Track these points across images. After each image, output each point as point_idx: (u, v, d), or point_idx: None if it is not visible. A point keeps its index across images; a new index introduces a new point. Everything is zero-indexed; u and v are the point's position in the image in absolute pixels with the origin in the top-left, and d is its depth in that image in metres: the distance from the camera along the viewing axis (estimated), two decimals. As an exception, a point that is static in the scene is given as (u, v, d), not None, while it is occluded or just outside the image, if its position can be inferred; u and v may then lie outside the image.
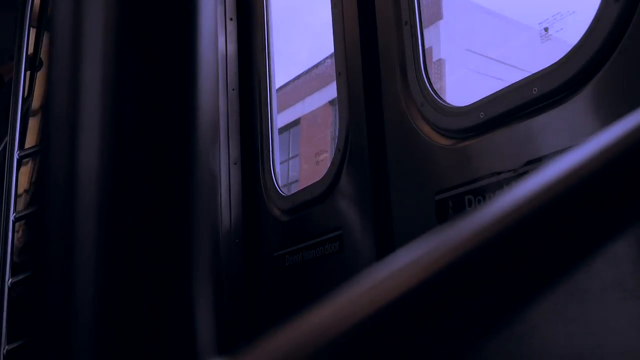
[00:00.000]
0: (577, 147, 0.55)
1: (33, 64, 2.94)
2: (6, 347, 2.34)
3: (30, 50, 2.91)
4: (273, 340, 0.44)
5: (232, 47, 3.09)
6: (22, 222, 2.59)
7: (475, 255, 0.47)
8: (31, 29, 2.91)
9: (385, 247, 2.13)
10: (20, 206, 2.67)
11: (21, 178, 2.64)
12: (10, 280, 2.44)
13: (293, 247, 2.65)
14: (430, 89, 2.01)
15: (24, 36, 2.80)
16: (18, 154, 2.52)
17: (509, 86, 1.72)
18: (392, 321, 0.43)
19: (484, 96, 1.80)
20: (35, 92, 2.89)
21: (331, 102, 16.26)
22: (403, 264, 0.45)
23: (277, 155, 2.95)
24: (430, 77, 2.05)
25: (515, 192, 0.51)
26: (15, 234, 2.56)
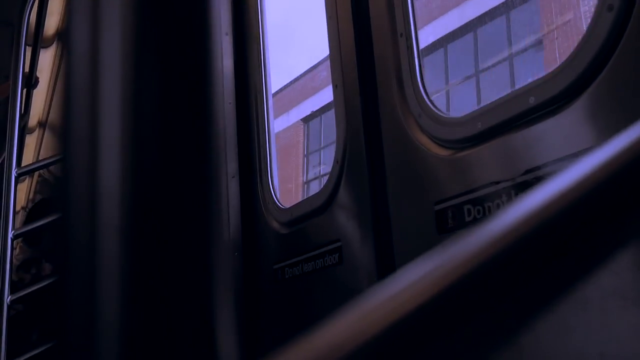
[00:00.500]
0: (579, 160, 0.56)
1: (29, 82, 2.95)
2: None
3: (27, 68, 2.92)
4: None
5: (228, 62, 3.10)
6: (20, 239, 2.59)
7: (479, 271, 0.47)
8: (27, 47, 2.92)
9: (385, 258, 2.14)
10: (18, 223, 2.66)
11: (19, 195, 2.65)
12: (9, 297, 2.43)
13: (292, 259, 2.65)
14: (427, 99, 2.02)
15: (20, 54, 2.81)
16: (16, 172, 2.52)
17: (505, 96, 1.73)
18: (400, 340, 0.43)
19: (482, 106, 1.82)
20: (32, 109, 2.90)
21: (304, 120, 15.44)
22: (411, 280, 0.46)
23: (275, 168, 2.96)
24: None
25: (517, 207, 0.51)
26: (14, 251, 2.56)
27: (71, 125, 1.58)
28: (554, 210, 0.51)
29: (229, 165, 3.02)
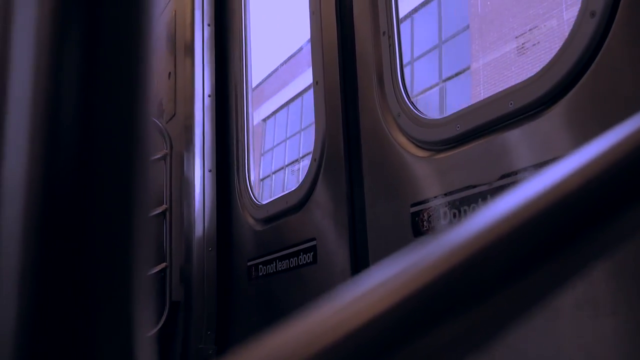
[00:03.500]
0: (558, 161, 0.54)
1: None
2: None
3: None
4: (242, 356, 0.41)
5: (209, 53, 3.06)
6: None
7: (449, 275, 0.45)
8: None
9: (359, 258, 2.11)
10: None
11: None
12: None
13: (267, 256, 2.62)
14: (407, 99, 2.00)
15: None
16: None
17: (485, 99, 1.72)
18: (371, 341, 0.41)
19: (461, 108, 1.80)
20: None
21: (264, 120, 16.47)
22: (384, 278, 0.43)
23: (252, 163, 2.92)
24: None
25: (494, 208, 0.49)
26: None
27: None
28: (528, 216, 0.49)
29: (206, 158, 2.98)
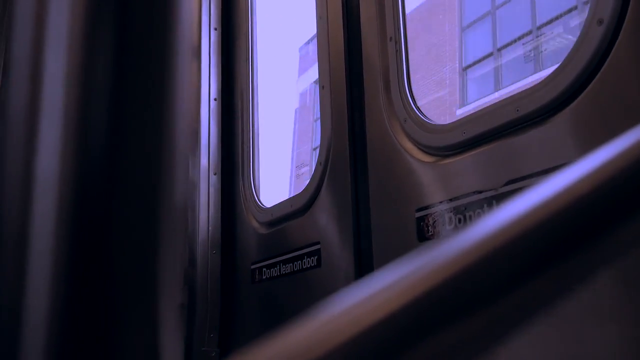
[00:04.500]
0: (559, 171, 0.54)
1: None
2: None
3: None
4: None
5: (215, 57, 3.07)
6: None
7: (454, 280, 0.45)
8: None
9: (364, 263, 2.11)
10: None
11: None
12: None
13: (270, 260, 2.62)
14: (413, 105, 2.00)
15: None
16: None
17: (491, 105, 1.72)
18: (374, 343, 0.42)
19: (467, 114, 1.80)
20: None
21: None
22: (386, 284, 0.44)
23: (258, 166, 2.93)
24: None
25: (499, 214, 0.49)
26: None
27: (8, 101, 1.44)
28: (533, 223, 0.49)
29: (212, 162, 2.99)
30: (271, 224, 2.68)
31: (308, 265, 2.38)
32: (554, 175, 0.51)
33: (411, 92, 2.03)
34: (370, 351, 0.41)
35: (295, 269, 2.45)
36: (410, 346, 0.43)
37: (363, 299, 0.46)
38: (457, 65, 11.92)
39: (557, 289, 0.56)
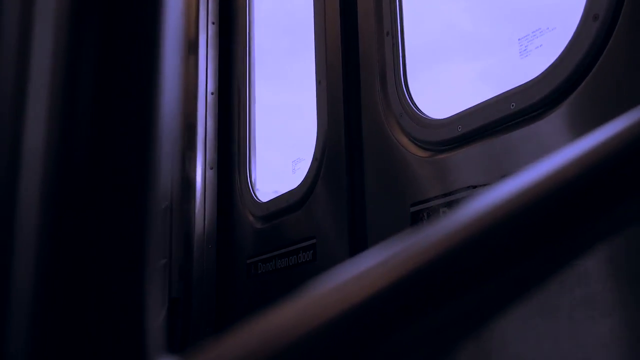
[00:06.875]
0: (547, 158, 0.54)
1: None
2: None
3: None
4: (228, 340, 0.42)
5: (213, 51, 3.07)
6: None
7: (442, 264, 0.45)
8: None
9: (358, 257, 2.12)
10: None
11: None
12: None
13: (266, 254, 2.62)
14: (409, 100, 2.00)
15: None
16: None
17: (487, 100, 1.72)
18: (355, 325, 0.41)
19: (463, 109, 1.80)
20: None
21: None
22: (370, 265, 0.44)
23: (255, 161, 2.93)
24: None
25: (488, 197, 0.49)
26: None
27: None
28: (523, 206, 0.49)
29: (208, 156, 2.99)
30: (267, 218, 2.69)
31: (303, 260, 2.38)
32: (543, 160, 0.52)
33: (407, 86, 2.03)
34: (345, 337, 0.40)
35: (290, 264, 2.45)
36: (399, 325, 0.43)
37: (343, 284, 0.45)
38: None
39: (543, 272, 0.55)
